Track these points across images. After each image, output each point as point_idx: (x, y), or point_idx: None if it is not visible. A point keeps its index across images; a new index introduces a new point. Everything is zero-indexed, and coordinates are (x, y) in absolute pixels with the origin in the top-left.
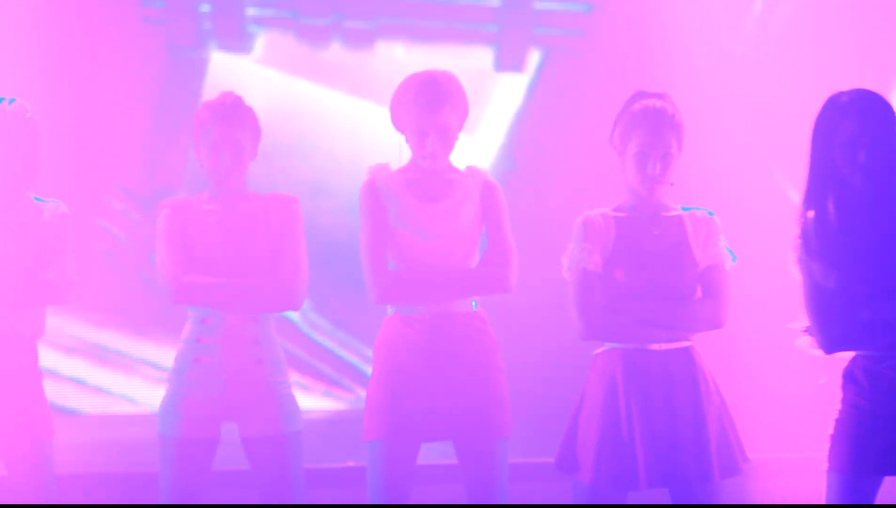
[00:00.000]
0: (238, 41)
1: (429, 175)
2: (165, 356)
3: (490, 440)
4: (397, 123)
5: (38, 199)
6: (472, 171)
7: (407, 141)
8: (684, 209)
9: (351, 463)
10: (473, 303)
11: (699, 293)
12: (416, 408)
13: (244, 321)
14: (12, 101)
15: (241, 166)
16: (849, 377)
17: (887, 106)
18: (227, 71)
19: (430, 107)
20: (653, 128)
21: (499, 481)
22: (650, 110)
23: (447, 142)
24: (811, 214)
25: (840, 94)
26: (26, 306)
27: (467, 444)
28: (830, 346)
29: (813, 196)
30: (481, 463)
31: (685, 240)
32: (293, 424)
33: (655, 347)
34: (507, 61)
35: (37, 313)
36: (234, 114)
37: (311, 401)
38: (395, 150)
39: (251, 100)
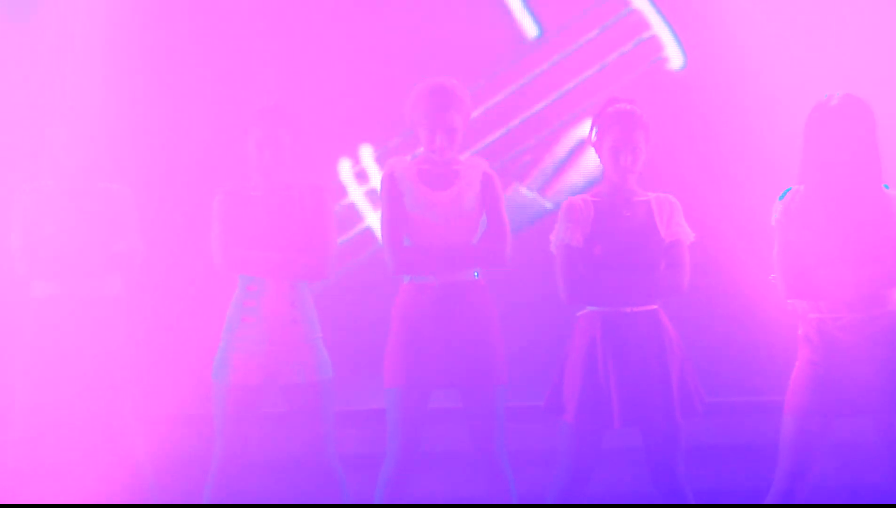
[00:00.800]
0: None
1: (438, 166)
2: None
3: (489, 387)
4: (411, 122)
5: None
6: (473, 162)
7: (419, 137)
8: (651, 195)
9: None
10: (476, 273)
11: (664, 265)
12: (427, 361)
13: (282, 287)
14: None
15: (281, 161)
16: (805, 338)
17: (869, 111)
18: None
19: (439, 109)
20: (624, 127)
21: (497, 422)
22: (622, 113)
23: (453, 139)
24: (800, 188)
25: (830, 97)
26: (101, 273)
27: (470, 391)
28: (790, 292)
29: (802, 177)
30: (482, 407)
31: (651, 220)
32: (325, 373)
33: (628, 310)
34: None
35: (114, 280)
36: (275, 117)
37: None
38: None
39: None
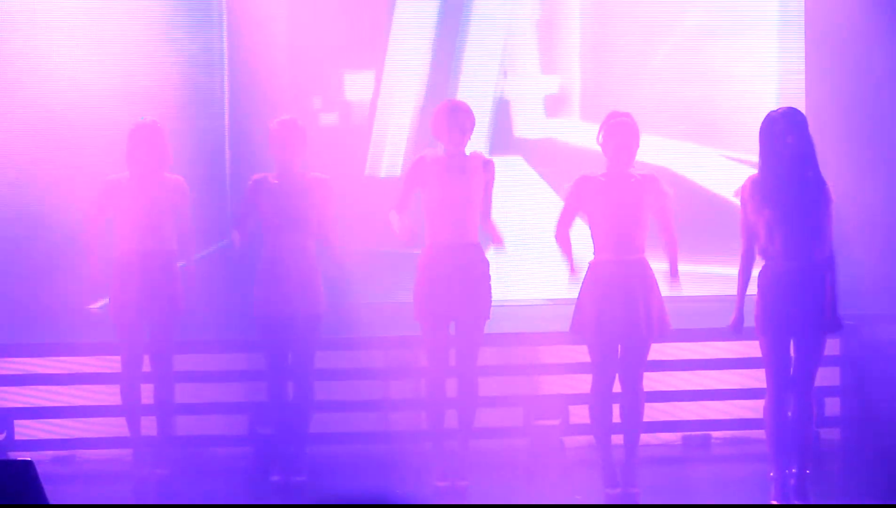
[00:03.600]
0: None
1: (454, 158)
2: None
3: (479, 321)
4: (435, 128)
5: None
6: (475, 154)
7: (442, 143)
8: (638, 175)
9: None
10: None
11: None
12: (439, 299)
13: (295, 248)
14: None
15: (295, 159)
16: (761, 277)
17: (804, 117)
18: None
19: (455, 123)
20: (622, 134)
21: (478, 346)
22: (621, 126)
23: (464, 142)
24: (756, 176)
25: (775, 110)
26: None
27: (465, 322)
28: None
29: (760, 163)
30: (471, 335)
31: (640, 192)
32: (323, 306)
33: (624, 258)
34: None
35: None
36: (290, 129)
37: None
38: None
39: None
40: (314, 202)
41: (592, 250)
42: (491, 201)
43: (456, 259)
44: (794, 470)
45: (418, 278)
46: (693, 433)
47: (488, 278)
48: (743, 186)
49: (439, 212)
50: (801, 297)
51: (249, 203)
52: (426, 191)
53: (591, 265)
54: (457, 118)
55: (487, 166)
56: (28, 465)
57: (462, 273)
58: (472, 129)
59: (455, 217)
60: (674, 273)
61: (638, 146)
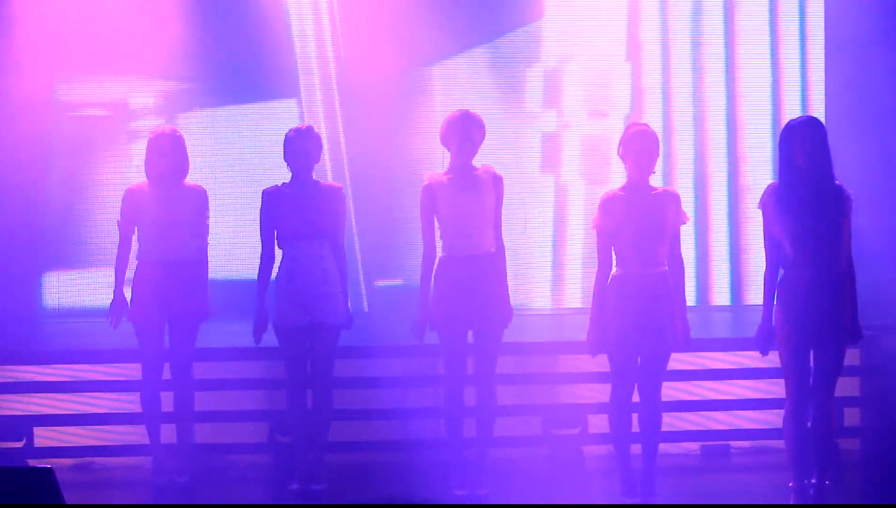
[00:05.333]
0: None
1: (462, 173)
2: None
3: (497, 328)
4: (444, 141)
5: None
6: (486, 168)
7: (450, 151)
8: (659, 189)
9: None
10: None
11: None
12: (457, 309)
13: (313, 256)
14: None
15: (309, 167)
16: (781, 286)
17: (823, 127)
18: None
19: (464, 133)
20: (643, 143)
21: (497, 354)
22: (640, 133)
23: (473, 153)
24: (775, 183)
25: (795, 119)
26: (187, 244)
27: (482, 329)
28: (770, 257)
29: (779, 172)
30: (489, 343)
31: (662, 206)
32: (342, 316)
33: (648, 271)
34: None
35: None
36: (306, 136)
37: None
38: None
39: None
40: (330, 210)
41: (615, 262)
42: (500, 218)
43: (470, 270)
44: (813, 481)
45: (434, 288)
46: (712, 442)
47: (504, 286)
48: (763, 194)
49: (451, 226)
50: (821, 307)
51: (268, 216)
52: (438, 209)
53: (614, 278)
54: (468, 128)
55: (497, 182)
56: (48, 472)
57: (477, 283)
58: (481, 140)
59: (467, 231)
60: (681, 300)
61: (657, 155)
